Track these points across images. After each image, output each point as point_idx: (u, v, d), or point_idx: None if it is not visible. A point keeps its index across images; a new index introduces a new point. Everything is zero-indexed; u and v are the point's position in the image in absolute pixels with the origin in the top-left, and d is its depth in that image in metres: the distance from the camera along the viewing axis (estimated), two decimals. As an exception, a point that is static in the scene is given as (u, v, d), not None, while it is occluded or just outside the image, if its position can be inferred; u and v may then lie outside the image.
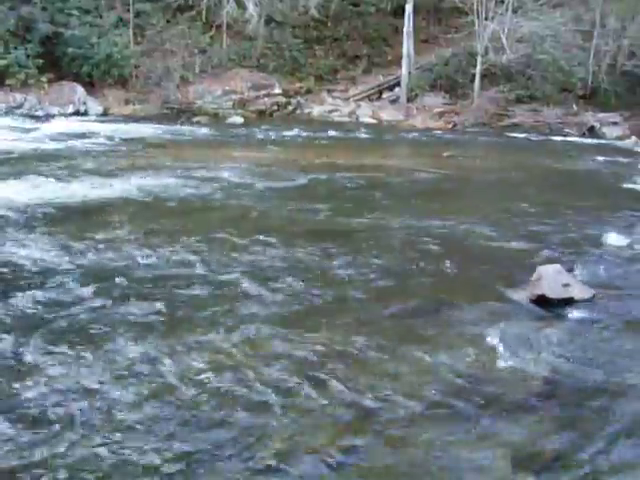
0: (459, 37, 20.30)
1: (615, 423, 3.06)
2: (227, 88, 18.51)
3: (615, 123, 19.35)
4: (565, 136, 18.19)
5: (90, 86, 17.55)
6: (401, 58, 19.18)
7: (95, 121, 15.30)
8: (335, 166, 10.43)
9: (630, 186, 10.36)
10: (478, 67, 18.99)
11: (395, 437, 2.80)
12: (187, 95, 18.06)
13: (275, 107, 18.51)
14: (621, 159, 13.91)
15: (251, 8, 19.07)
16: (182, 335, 3.71)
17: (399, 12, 20.23)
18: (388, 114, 18.41)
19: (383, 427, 2.87)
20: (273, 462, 2.57)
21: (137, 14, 18.77)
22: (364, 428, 2.85)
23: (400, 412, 3.00)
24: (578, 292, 4.77)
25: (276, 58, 19.68)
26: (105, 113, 17.07)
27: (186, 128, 14.76)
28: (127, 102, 17.54)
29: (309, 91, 19.46)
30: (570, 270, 5.35)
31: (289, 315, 4.13)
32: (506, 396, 3.25)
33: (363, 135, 15.50)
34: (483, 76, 19.31)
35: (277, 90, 18.73)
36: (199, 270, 4.88)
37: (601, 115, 19.58)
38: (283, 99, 18.67)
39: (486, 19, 19.35)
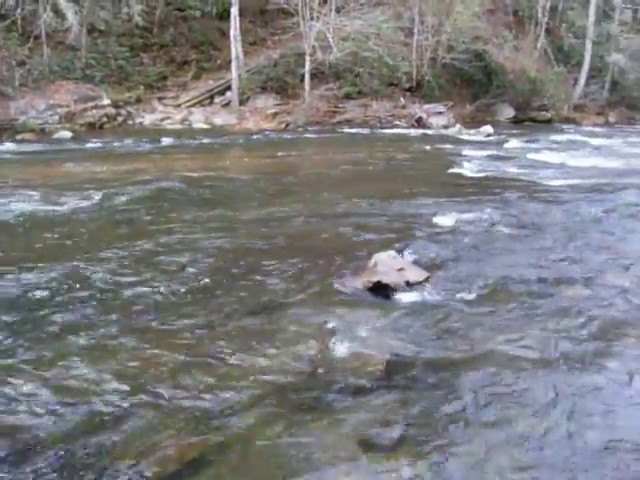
0: (286, 38, 22.86)
1: (452, 395, 3.57)
2: (52, 102, 19.27)
3: (440, 113, 23.01)
4: (395, 128, 21.17)
5: None
6: (230, 62, 21.13)
7: None
8: (170, 173, 10.90)
9: (455, 171, 12.13)
10: (307, 67, 21.57)
11: (243, 431, 3.14)
12: (8, 111, 18.51)
13: (105, 119, 19.68)
14: (447, 146, 16.54)
15: (70, 17, 19.95)
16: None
17: (225, 16, 22.15)
18: (221, 118, 20.43)
19: (230, 423, 3.19)
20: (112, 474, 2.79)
21: (-59, 23, 18.51)
22: (209, 426, 3.16)
23: (247, 406, 3.35)
24: (413, 275, 5.34)
25: (102, 68, 20.83)
26: None
27: (10, 146, 15.22)
28: (-62, 122, 17.49)
29: (139, 100, 20.85)
30: (404, 254, 6.01)
31: (121, 321, 4.38)
32: (350, 382, 3.67)
33: (196, 141, 16.59)
34: (312, 75, 21.92)
35: (105, 101, 19.90)
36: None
37: (427, 106, 23.13)
38: (112, 110, 19.91)
39: (311, 19, 22.09)
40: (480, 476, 2.94)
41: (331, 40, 22.27)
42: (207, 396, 3.46)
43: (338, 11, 23.37)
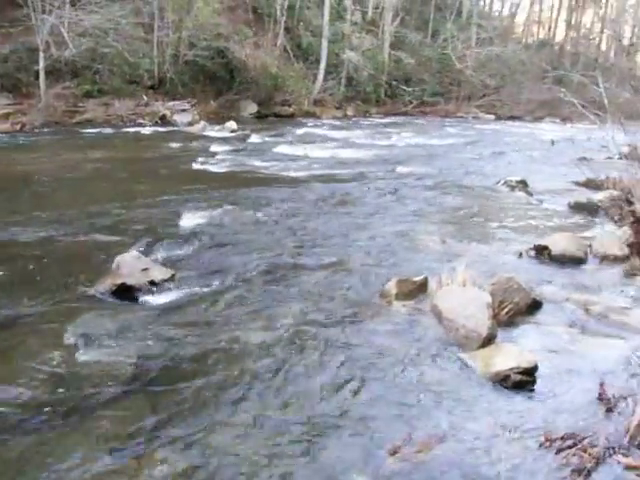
0: (17, 32, 22.50)
1: (200, 389, 3.82)
2: None
3: (184, 110, 24.57)
4: (139, 127, 22.05)
5: None
6: (-47, 58, 19.63)
7: None
8: None
9: (200, 168, 13.01)
10: (41, 63, 21.60)
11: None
12: None
13: None
14: (193, 143, 17.58)
15: None
16: None
17: (-56, 7, 20.78)
18: (-55, 121, 19.02)
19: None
20: None
21: None
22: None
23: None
24: (158, 274, 5.59)
25: None
26: None
27: None
28: None
29: None
30: (149, 254, 6.28)
31: None
32: (97, 389, 3.77)
33: None
34: (48, 73, 21.96)
35: None
36: None
37: (171, 103, 24.58)
38: None
39: (44, 12, 22.09)
40: (234, 467, 3.21)
41: (66, 35, 22.63)
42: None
43: (73, 4, 23.66)
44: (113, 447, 3.25)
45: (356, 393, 3.95)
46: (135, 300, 5.30)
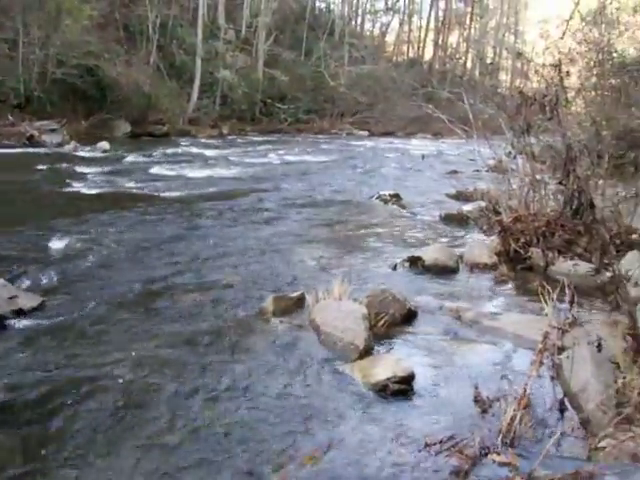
0: None
1: (77, 420, 3.67)
2: None
3: (54, 130, 23.58)
4: (5, 148, 20.95)
5: None
6: None
7: None
8: None
9: (71, 190, 12.70)
10: None
11: None
12: None
13: None
14: (62, 164, 17.14)
15: None
16: None
17: None
18: None
19: None
20: None
21: None
22: None
23: None
24: (26, 302, 5.41)
25: None
26: None
27: None
28: None
29: None
30: (16, 282, 6.09)
31: None
32: None
33: None
34: None
35: None
36: None
37: (39, 123, 23.55)
38: None
39: None
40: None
41: None
42: None
43: None
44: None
45: (236, 413, 3.86)
46: (1, 330, 5.03)
